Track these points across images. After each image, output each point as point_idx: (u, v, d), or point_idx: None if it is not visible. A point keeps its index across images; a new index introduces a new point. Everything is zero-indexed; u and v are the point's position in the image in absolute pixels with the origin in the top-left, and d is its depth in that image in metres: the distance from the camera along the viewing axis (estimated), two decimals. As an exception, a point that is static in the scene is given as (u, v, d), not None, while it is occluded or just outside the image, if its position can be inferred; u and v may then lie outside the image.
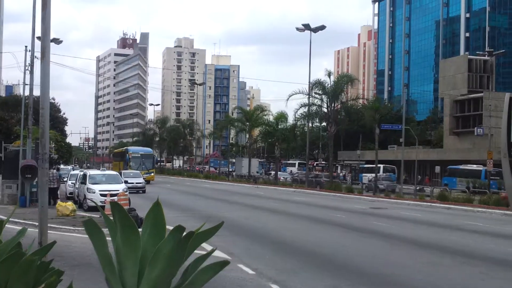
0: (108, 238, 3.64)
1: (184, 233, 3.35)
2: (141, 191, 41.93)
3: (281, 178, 67.63)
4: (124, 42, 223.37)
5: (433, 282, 11.01)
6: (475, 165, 60.65)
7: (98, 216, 17.50)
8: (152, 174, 61.69)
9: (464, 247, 16.09)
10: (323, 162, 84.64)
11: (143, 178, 50.13)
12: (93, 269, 10.70)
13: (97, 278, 9.60)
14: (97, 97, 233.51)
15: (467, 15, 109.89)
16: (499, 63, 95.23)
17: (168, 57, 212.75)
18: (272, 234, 18.35)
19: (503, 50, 74.32)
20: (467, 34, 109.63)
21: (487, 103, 62.81)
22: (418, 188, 46.13)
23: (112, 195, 24.70)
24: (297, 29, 50.44)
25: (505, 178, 33.60)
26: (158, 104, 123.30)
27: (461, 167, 61.90)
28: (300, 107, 55.54)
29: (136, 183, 43.07)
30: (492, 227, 22.14)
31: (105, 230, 3.76)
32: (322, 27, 49.58)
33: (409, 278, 11.30)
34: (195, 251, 3.74)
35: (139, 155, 63.81)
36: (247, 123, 70.10)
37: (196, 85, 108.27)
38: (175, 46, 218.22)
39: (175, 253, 3.29)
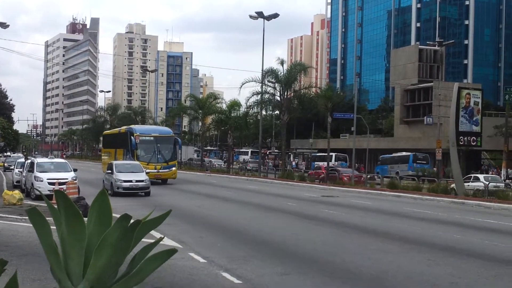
0: (53, 227, 3.55)
1: (131, 222, 3.30)
2: (142, 193, 29.00)
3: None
4: (74, 27, 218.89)
5: (382, 268, 11.19)
6: (404, 152, 62.67)
7: (46, 205, 17.13)
8: (174, 168, 40.65)
9: (412, 234, 16.41)
10: (276, 151, 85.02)
11: (159, 174, 38.86)
12: (41, 258, 10.48)
13: (45, 268, 9.42)
14: (45, 83, 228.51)
15: (418, 5, 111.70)
16: (449, 53, 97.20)
17: (119, 43, 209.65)
18: (225, 223, 18.35)
19: (452, 40, 75.74)
20: (418, 24, 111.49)
21: (436, 92, 64.06)
22: (369, 176, 46.82)
23: (60, 184, 24.26)
24: (250, 16, 50.30)
25: (453, 166, 34.32)
26: (109, 91, 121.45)
27: (392, 155, 64.01)
28: (253, 95, 55.73)
29: (136, 181, 28.84)
30: (439, 215, 22.64)
31: (51, 219, 3.67)
32: (275, 15, 49.58)
33: (358, 265, 11.45)
34: (144, 240, 3.69)
35: (152, 138, 40.89)
36: (200, 111, 69.86)
37: (148, 72, 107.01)
38: (126, 32, 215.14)
39: (122, 242, 3.23)
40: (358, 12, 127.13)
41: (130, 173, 29.45)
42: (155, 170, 38.23)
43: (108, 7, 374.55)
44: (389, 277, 10.46)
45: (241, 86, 58.19)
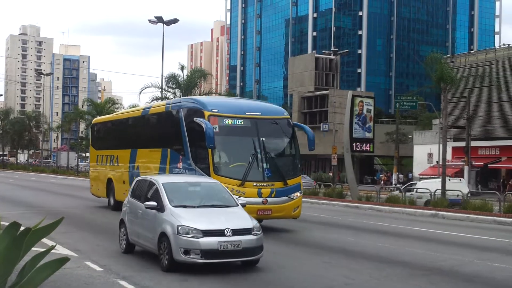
0: None
1: (21, 230, 3.20)
2: (238, 262, 11.61)
3: None
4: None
5: (280, 271, 11.40)
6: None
7: None
8: (298, 195, 18.02)
9: (309, 238, 16.81)
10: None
11: (267, 209, 17.09)
12: None
13: None
14: None
15: (315, 15, 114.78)
16: (344, 62, 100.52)
17: (12, 45, 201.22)
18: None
19: (346, 50, 78.37)
20: (314, 34, 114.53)
21: (332, 100, 66.11)
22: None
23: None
24: (150, 21, 49.80)
25: (347, 171, 35.50)
26: (1, 95, 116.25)
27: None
28: (152, 101, 55.01)
29: (233, 231, 10.96)
30: (335, 218, 23.33)
31: None
32: (175, 20, 49.34)
33: (257, 268, 11.59)
34: (35, 248, 3.58)
35: (249, 122, 17.89)
36: (98, 116, 68.35)
37: (42, 76, 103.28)
38: (20, 34, 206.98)
39: (10, 251, 3.11)
40: (257, 20, 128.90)
41: (209, 208, 12.23)
42: (259, 199, 16.94)
43: (1, 7, 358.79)
44: (287, 279, 10.68)
45: (141, 91, 57.31)
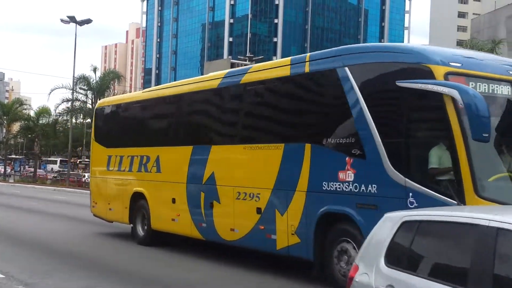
0: None
1: None
2: None
3: None
4: None
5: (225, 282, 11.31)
6: None
7: None
8: None
9: None
10: (86, 160, 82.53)
11: None
12: None
13: None
14: None
15: (231, 20, 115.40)
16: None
17: None
18: (28, 235, 17.38)
19: (261, 56, 79.06)
20: (231, 39, 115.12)
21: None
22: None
23: None
24: (62, 20, 48.48)
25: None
26: None
27: None
28: (62, 102, 53.83)
29: None
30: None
31: None
32: (88, 21, 48.35)
33: (174, 277, 11.52)
34: None
35: None
36: (5, 117, 66.17)
37: None
38: None
39: None
40: (173, 24, 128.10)
41: None
42: None
43: None
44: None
45: (50, 92, 56.10)
